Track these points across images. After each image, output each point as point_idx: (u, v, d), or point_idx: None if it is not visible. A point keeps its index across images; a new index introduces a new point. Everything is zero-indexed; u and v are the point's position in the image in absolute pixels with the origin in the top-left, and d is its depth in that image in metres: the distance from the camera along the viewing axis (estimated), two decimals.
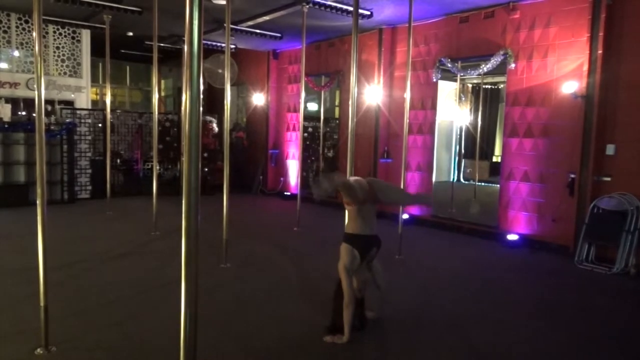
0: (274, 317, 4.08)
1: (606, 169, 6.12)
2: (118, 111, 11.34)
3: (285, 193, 10.86)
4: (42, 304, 3.21)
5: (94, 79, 12.87)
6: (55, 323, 3.41)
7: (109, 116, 8.74)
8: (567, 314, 4.37)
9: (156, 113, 7.48)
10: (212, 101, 12.90)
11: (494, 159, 12.25)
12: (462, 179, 12.13)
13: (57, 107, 10.12)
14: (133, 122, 10.76)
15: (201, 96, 1.65)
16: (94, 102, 13.51)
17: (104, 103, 8.94)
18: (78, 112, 9.84)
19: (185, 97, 1.62)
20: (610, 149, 6.07)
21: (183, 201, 1.59)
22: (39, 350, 3.24)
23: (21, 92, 10.17)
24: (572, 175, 6.31)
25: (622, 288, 5.26)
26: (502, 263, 6.14)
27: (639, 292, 5.09)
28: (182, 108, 1.70)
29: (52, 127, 8.96)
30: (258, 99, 11.31)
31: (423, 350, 3.52)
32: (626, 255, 5.71)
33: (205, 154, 10.89)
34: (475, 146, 10.79)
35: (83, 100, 10.89)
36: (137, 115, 10.93)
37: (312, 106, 12.47)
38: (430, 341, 3.68)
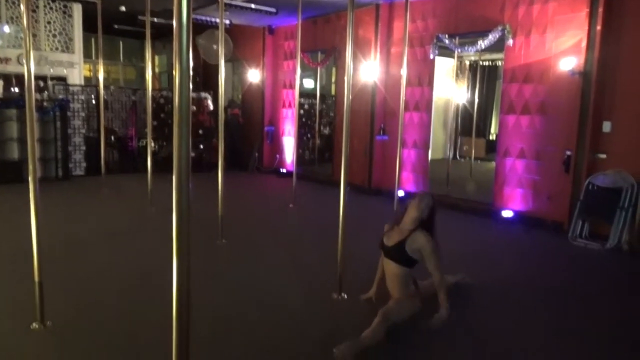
0: (271, 292, 4.11)
1: (602, 146, 6.12)
2: (112, 87, 11.21)
3: (281, 170, 10.84)
4: (36, 279, 3.21)
5: (87, 55, 12.65)
6: (51, 300, 3.41)
7: (102, 92, 8.63)
8: (559, 289, 4.41)
9: (150, 89, 7.39)
10: (208, 78, 12.74)
11: (491, 137, 12.27)
12: (458, 157, 12.15)
13: (50, 83, 9.98)
14: (127, 99, 10.65)
15: (191, 70, 1.61)
16: (87, 79, 13.33)
17: (97, 79, 8.81)
18: (71, 88, 9.72)
19: (175, 70, 1.58)
20: (606, 126, 6.05)
21: (174, 175, 1.57)
22: (34, 325, 3.25)
23: (12, 68, 10.01)
24: (568, 153, 6.31)
25: (615, 264, 5.31)
26: (496, 240, 6.19)
27: (632, 268, 5.14)
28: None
29: (45, 104, 8.86)
30: (253, 75, 11.18)
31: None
32: (619, 232, 5.75)
33: (201, 131, 10.82)
34: (472, 124, 10.78)
35: (76, 76, 10.74)
36: (131, 91, 10.81)
37: (308, 83, 12.37)
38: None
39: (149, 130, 7.37)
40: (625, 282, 4.79)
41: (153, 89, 8.68)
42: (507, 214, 6.98)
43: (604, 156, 6.10)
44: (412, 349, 3.16)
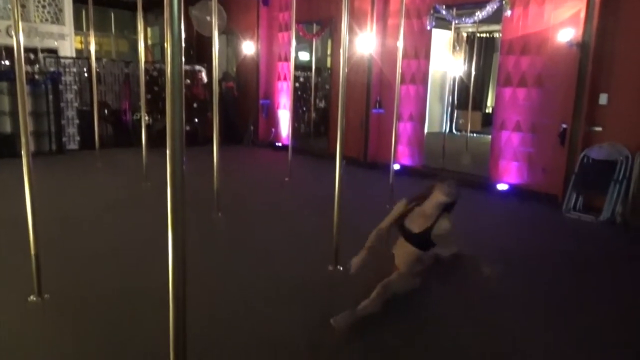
0: (266, 264, 4.14)
1: (598, 118, 6.11)
2: (104, 60, 11.02)
3: (277, 144, 10.79)
4: (32, 252, 3.22)
5: (78, 27, 12.40)
6: (49, 273, 3.43)
7: (94, 65, 8.49)
8: (553, 260, 4.47)
9: (142, 62, 7.28)
10: (201, 50, 12.53)
11: (487, 110, 12.21)
12: (454, 130, 12.11)
13: (41, 55, 9.80)
14: (120, 72, 10.49)
15: (183, 41, 1.58)
16: (78, 51, 13.09)
17: (89, 52, 8.65)
18: (62, 60, 9.56)
19: (166, 41, 1.55)
20: (603, 99, 6.03)
21: (168, 148, 1.56)
22: (32, 297, 3.28)
23: (2, 40, 9.83)
24: (564, 126, 6.30)
25: (608, 236, 5.37)
26: (492, 212, 6.23)
27: (624, 240, 5.20)
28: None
29: (36, 77, 8.72)
30: (248, 47, 11.01)
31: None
32: (613, 204, 5.79)
33: (195, 105, 10.72)
34: (468, 97, 10.70)
35: (67, 48, 10.56)
36: (124, 64, 10.64)
37: (304, 55, 12.20)
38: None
39: (142, 103, 7.30)
40: (618, 253, 4.85)
41: (146, 62, 8.55)
42: (502, 187, 7.01)
43: (599, 129, 6.10)
44: (406, 319, 3.21)
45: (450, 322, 3.24)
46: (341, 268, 3.98)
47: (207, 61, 11.24)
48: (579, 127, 6.16)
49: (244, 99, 11.55)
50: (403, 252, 3.40)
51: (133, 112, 10.24)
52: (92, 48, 8.38)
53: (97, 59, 8.97)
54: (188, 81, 10.71)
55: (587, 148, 6.12)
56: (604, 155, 5.97)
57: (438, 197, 3.28)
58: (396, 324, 3.13)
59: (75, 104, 9.54)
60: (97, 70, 9.34)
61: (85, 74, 9.71)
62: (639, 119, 5.75)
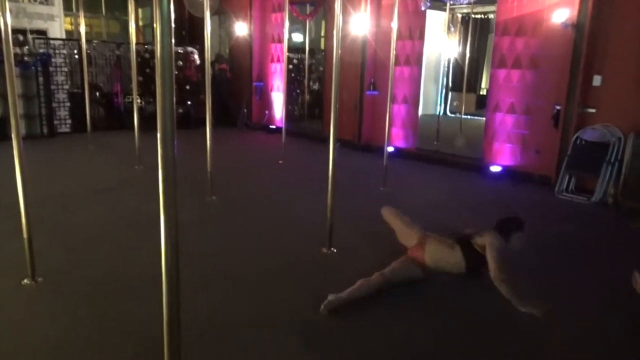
0: (260, 246, 4.16)
1: (592, 100, 6.11)
2: (94, 42, 10.85)
3: (271, 126, 10.74)
4: (25, 236, 3.21)
5: (67, 8, 12.17)
6: (42, 257, 3.42)
7: (84, 46, 8.36)
8: (546, 241, 4.50)
9: (134, 43, 7.17)
10: (194, 32, 12.36)
11: (481, 92, 12.18)
12: (448, 112, 12.09)
13: (30, 36, 9.64)
14: (111, 54, 10.34)
15: (172, 20, 1.55)
16: (68, 33, 12.88)
17: (79, 33, 8.51)
18: (52, 42, 9.40)
19: (155, 21, 1.52)
20: (596, 80, 6.02)
21: (158, 131, 1.54)
22: (25, 281, 3.27)
23: None
24: (558, 107, 6.30)
25: (599, 217, 5.42)
26: (485, 194, 6.26)
27: (616, 221, 5.25)
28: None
29: (26, 58, 8.59)
30: (241, 29, 10.86)
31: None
32: (605, 186, 5.83)
33: (188, 87, 10.62)
34: (463, 79, 10.66)
35: (56, 29, 10.38)
36: (115, 46, 10.48)
37: (297, 37, 12.07)
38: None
39: (134, 86, 7.22)
40: (609, 234, 4.90)
41: (137, 43, 8.42)
42: (495, 169, 7.03)
43: (593, 110, 6.11)
44: (404, 304, 3.24)
45: (441, 304, 3.27)
46: (335, 250, 4.00)
47: (199, 43, 11.11)
48: (573, 108, 6.16)
49: (237, 81, 11.45)
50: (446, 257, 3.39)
51: (125, 95, 10.13)
52: (82, 29, 8.24)
53: (87, 40, 8.84)
54: (180, 63, 10.58)
55: (581, 130, 6.14)
56: (597, 137, 5.99)
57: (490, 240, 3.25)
58: (392, 307, 3.15)
59: (66, 87, 9.41)
60: (88, 52, 9.21)
61: (76, 56, 9.57)
62: (632, 100, 5.76)
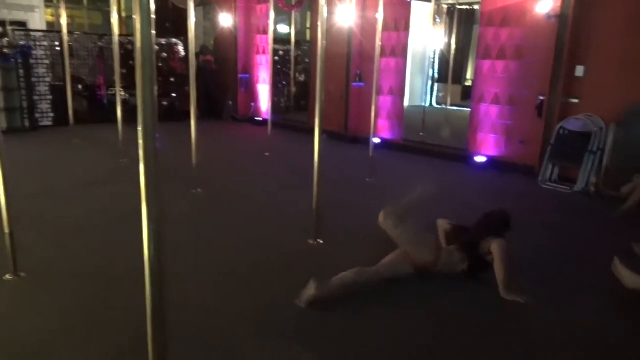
0: (247, 238, 4.15)
1: (575, 90, 6.18)
2: (76, 34, 10.67)
3: (257, 119, 10.69)
4: (6, 230, 3.16)
5: None
6: (26, 252, 3.39)
7: (66, 38, 8.23)
8: (530, 229, 4.56)
9: (116, 35, 7.08)
10: (178, 23, 12.19)
11: (467, 83, 12.24)
12: (434, 104, 12.14)
13: (9, 28, 9.44)
14: (93, 45, 10.18)
15: (152, 10, 1.52)
16: (49, 24, 12.65)
17: (60, 24, 8.35)
18: (32, 34, 9.22)
19: (134, 10, 1.50)
20: (579, 71, 6.09)
21: (139, 121, 1.52)
22: (7, 276, 3.23)
23: None
24: (542, 98, 6.36)
25: (582, 206, 5.50)
26: (470, 184, 6.31)
27: (598, 210, 5.33)
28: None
29: (6, 50, 8.42)
30: (225, 20, 10.76)
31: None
32: (587, 175, 5.92)
33: (173, 79, 10.51)
34: (449, 70, 10.70)
35: (37, 21, 10.19)
36: (97, 37, 10.32)
37: (283, 28, 12.00)
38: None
39: (117, 78, 7.13)
40: (591, 222, 4.98)
41: (120, 35, 8.30)
42: (480, 159, 7.09)
43: (576, 101, 6.18)
44: (396, 296, 3.26)
45: (424, 297, 3.31)
46: (322, 242, 4.01)
47: (184, 34, 10.98)
48: (556, 99, 6.23)
49: (223, 73, 11.35)
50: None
51: (108, 87, 9.99)
52: (64, 21, 8.10)
53: (69, 32, 8.68)
54: (165, 55, 10.46)
55: (564, 120, 6.21)
56: (580, 127, 6.07)
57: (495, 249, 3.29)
58: (383, 300, 3.18)
59: (48, 79, 9.25)
60: (70, 44, 9.05)
61: (57, 48, 9.39)
62: (614, 90, 5.84)
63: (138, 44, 1.50)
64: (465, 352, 2.63)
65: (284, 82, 11.59)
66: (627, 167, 5.38)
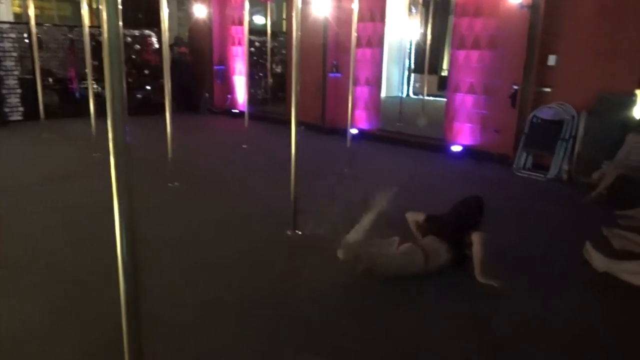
0: (225, 229, 4.13)
1: (547, 79, 6.28)
2: (46, 25, 10.36)
3: (233, 111, 10.59)
4: None
5: None
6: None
7: (34, 30, 7.99)
8: (506, 217, 4.65)
9: (87, 26, 6.90)
10: (151, 14, 11.97)
11: (443, 73, 12.34)
12: (411, 94, 12.22)
13: None
14: (63, 37, 9.91)
15: (119, 1, 1.49)
16: (16, 16, 12.27)
17: (28, 16, 8.10)
18: None
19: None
20: (552, 60, 6.19)
21: (108, 112, 1.49)
22: None
23: None
24: (515, 87, 6.45)
25: (555, 192, 5.62)
26: (447, 173, 6.39)
27: (570, 196, 5.45)
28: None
29: None
30: (200, 11, 10.59)
31: None
32: (560, 162, 6.04)
33: (147, 71, 10.33)
34: (425, 60, 10.76)
35: (2, 12, 9.87)
36: (67, 29, 10.05)
37: (259, 19, 11.89)
38: None
39: (89, 71, 6.97)
40: (563, 208, 5.09)
41: (91, 26, 8.10)
42: (456, 148, 7.18)
43: (548, 89, 6.29)
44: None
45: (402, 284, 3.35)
46: (300, 232, 4.02)
47: (157, 25, 10.78)
48: (529, 88, 6.33)
49: (198, 65, 11.21)
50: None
51: (80, 80, 9.77)
52: (32, 12, 7.86)
53: (37, 24, 8.43)
54: (138, 47, 10.26)
55: (537, 108, 6.32)
56: (552, 115, 6.18)
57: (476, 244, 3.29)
58: (366, 291, 3.20)
59: (16, 72, 9.00)
60: (39, 36, 8.80)
61: (26, 40, 9.13)
62: (585, 79, 5.96)
63: (105, 34, 1.47)
64: (446, 339, 2.67)
65: (261, 74, 11.50)
66: (598, 154, 5.51)
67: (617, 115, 5.46)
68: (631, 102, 5.55)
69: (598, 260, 3.42)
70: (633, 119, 5.27)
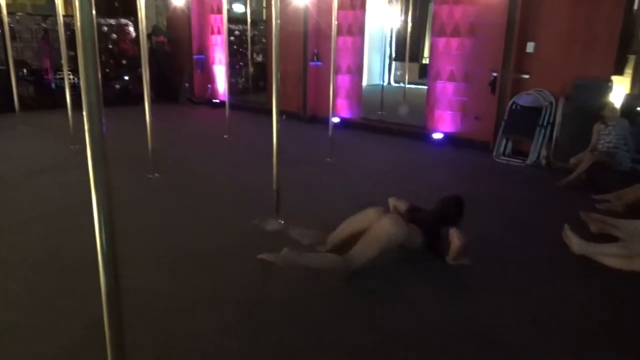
0: (208, 222, 4.10)
1: (526, 66, 6.35)
2: (18, 14, 10.08)
3: (214, 100, 10.49)
4: None
5: None
6: None
7: (6, 19, 7.76)
8: (486, 202, 4.72)
9: (61, 15, 6.74)
10: (127, 3, 11.75)
11: (424, 61, 12.37)
12: (392, 82, 12.23)
13: None
14: (37, 27, 9.67)
15: None
16: None
17: (0, 5, 7.87)
18: None
19: None
20: (530, 47, 6.25)
21: (83, 103, 1.46)
22: None
23: None
24: (494, 74, 6.51)
25: (534, 177, 5.72)
26: (428, 161, 6.44)
27: (549, 180, 5.54)
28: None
29: None
30: None
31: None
32: (538, 148, 6.14)
33: (124, 61, 10.15)
34: (406, 48, 10.77)
35: None
36: (41, 18, 9.80)
37: (238, 7, 11.73)
38: None
39: (64, 61, 6.81)
40: (542, 193, 5.19)
41: (66, 15, 7.93)
42: (437, 136, 7.23)
43: (527, 76, 6.36)
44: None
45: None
46: (282, 222, 4.01)
47: (134, 14, 10.57)
48: (508, 75, 6.39)
49: (177, 54, 11.05)
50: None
51: (56, 71, 9.55)
52: (3, 1, 7.63)
53: (9, 13, 8.20)
54: (115, 36, 10.07)
55: (516, 95, 6.39)
56: (531, 102, 6.26)
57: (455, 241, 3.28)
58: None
59: None
60: (11, 25, 8.57)
61: None
62: (562, 65, 6.04)
63: (78, 22, 1.43)
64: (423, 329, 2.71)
65: (241, 63, 11.39)
66: (575, 140, 5.60)
67: (593, 101, 5.55)
68: (607, 88, 5.66)
69: (576, 244, 3.50)
70: (601, 105, 5.35)
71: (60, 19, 6.65)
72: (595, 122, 5.34)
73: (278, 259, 2.98)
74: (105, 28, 9.96)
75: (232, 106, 7.80)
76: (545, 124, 6.11)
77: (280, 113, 3.89)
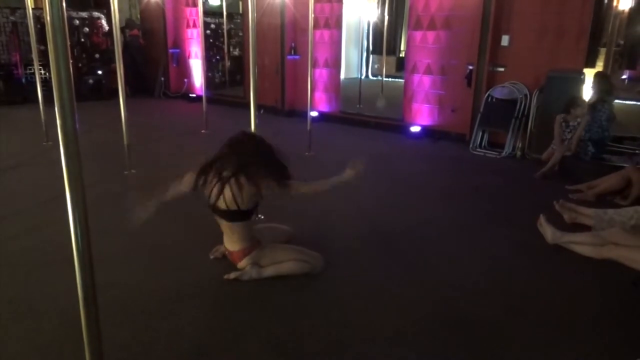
0: (184, 218, 4.06)
1: (501, 59, 6.44)
2: None
3: (191, 95, 10.36)
4: None
5: None
6: None
7: None
8: (463, 193, 4.79)
9: (31, 8, 6.54)
10: None
11: (401, 54, 12.45)
12: (370, 75, 12.28)
13: None
14: (5, 20, 9.39)
15: None
16: None
17: None
18: None
19: None
20: (504, 40, 6.34)
21: (55, 98, 1.43)
22: None
23: None
24: (470, 67, 6.58)
25: (509, 169, 5.82)
26: (406, 153, 6.49)
27: (523, 172, 5.65)
28: None
29: None
30: None
31: (332, 236, 3.72)
32: (514, 140, 6.25)
33: (97, 55, 9.95)
34: (383, 41, 10.82)
35: None
36: (9, 11, 9.52)
37: (214, 0, 11.59)
38: (340, 225, 3.91)
39: (34, 55, 6.63)
40: (517, 183, 5.29)
41: (35, 8, 7.70)
42: (415, 128, 7.29)
43: (502, 69, 6.45)
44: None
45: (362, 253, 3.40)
46: (262, 217, 4.00)
47: (106, 7, 10.35)
48: (484, 68, 6.47)
49: (152, 48, 10.87)
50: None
51: (26, 66, 9.31)
52: None
53: None
54: (87, 30, 9.85)
55: (491, 88, 6.48)
56: (506, 94, 6.36)
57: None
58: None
59: None
60: None
61: None
62: (536, 58, 6.14)
63: (47, 15, 1.40)
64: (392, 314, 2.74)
65: (218, 57, 11.28)
66: (549, 132, 5.71)
67: (566, 93, 5.66)
68: (579, 80, 5.79)
69: (550, 234, 3.59)
70: (569, 101, 5.45)
71: (30, 12, 6.46)
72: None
73: (243, 277, 3.00)
74: (77, 21, 9.73)
75: (209, 100, 7.72)
76: (520, 116, 6.22)
77: (258, 107, 3.87)
